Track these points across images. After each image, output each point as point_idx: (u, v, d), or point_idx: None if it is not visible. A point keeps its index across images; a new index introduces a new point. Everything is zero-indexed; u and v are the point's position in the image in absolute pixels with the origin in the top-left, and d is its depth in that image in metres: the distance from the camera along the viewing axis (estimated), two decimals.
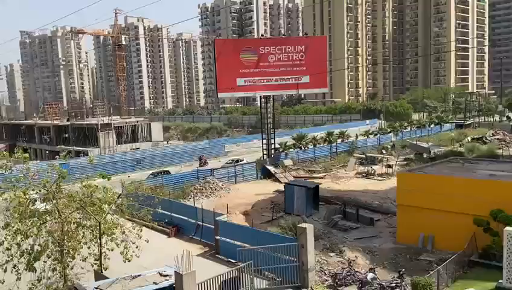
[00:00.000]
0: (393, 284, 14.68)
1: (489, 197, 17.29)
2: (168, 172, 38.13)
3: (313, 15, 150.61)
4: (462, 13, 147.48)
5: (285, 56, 39.38)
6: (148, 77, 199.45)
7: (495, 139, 55.59)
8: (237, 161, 41.92)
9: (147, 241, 14.41)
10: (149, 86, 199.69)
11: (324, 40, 47.29)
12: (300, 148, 46.85)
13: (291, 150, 45.25)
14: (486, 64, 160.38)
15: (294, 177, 36.54)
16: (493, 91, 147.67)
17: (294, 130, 73.25)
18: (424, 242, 19.20)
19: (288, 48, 39.54)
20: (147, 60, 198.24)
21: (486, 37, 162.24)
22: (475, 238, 17.09)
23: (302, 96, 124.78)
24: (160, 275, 13.71)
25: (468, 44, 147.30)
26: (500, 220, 16.16)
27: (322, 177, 36.68)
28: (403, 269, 15.41)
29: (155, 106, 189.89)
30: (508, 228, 14.23)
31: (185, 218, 22.44)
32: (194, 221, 21.84)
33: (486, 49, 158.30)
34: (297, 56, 39.64)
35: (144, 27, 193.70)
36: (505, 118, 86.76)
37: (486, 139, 55.47)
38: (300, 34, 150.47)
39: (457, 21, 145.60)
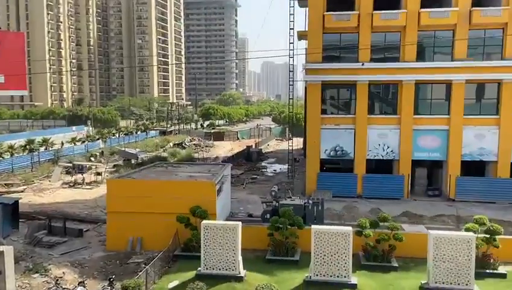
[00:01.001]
0: None
1: (189, 195, 19.67)
2: None
3: (6, 7, 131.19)
4: (162, 30, 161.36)
5: None
6: None
7: (192, 145, 63.50)
8: None
9: None
10: None
11: (22, 37, 41.75)
12: None
13: None
14: (183, 78, 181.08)
15: None
16: (189, 102, 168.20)
17: None
18: (133, 245, 19.93)
19: None
20: None
21: (183, 55, 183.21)
22: (178, 234, 19.08)
23: None
24: None
25: (168, 58, 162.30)
26: (198, 215, 18.66)
27: (22, 191, 32.48)
28: (113, 276, 15.56)
29: None
30: (204, 222, 16.60)
31: None
32: None
33: (183, 64, 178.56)
34: None
35: None
36: (199, 126, 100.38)
37: (185, 144, 62.70)
38: None
39: (158, 36, 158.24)
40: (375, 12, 28.71)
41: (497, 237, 16.77)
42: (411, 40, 28.65)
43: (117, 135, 68.35)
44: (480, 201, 27.68)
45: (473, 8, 28.01)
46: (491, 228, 16.79)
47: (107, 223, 21.07)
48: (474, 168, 29.75)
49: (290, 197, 23.98)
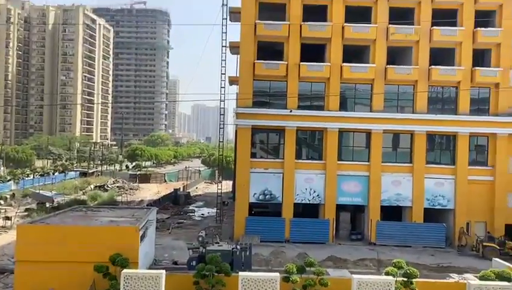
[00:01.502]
0: None
1: (110, 242, 18.36)
2: None
3: None
4: (89, 67, 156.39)
5: None
6: None
7: (115, 187, 60.51)
8: None
9: None
10: None
11: None
12: None
13: None
14: (109, 117, 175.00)
15: None
16: (115, 142, 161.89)
17: None
18: None
19: None
20: None
21: (110, 93, 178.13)
22: (95, 285, 17.57)
23: None
24: None
25: (93, 96, 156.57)
26: (118, 264, 17.42)
27: None
28: None
29: None
30: (124, 271, 15.51)
31: None
32: None
33: (110, 103, 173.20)
34: None
35: None
36: (124, 167, 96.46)
37: (108, 186, 59.59)
38: None
39: (84, 74, 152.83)
40: (302, 63, 30.42)
41: (413, 280, 17.56)
42: (334, 90, 30.57)
43: (31, 176, 63.28)
44: (398, 245, 29.16)
45: (388, 66, 30.77)
46: (408, 271, 17.57)
47: (15, 274, 18.93)
48: (392, 213, 31.54)
49: (218, 243, 23.40)
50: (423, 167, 30.88)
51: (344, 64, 30.59)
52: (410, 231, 30.04)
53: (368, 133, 31.13)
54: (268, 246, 27.38)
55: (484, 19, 31.24)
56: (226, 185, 45.07)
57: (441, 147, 32.42)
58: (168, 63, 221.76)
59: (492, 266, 19.53)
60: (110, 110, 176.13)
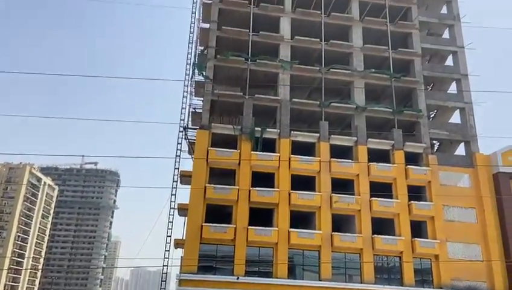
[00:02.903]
0: None
1: None
2: None
3: None
4: (25, 227, 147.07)
5: None
6: None
7: None
8: None
9: None
10: None
11: None
12: None
13: None
14: (37, 281, 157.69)
15: None
16: None
17: None
18: None
19: None
20: None
21: (43, 255, 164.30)
22: None
23: None
24: None
25: (24, 258, 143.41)
26: None
27: None
28: None
29: None
30: None
31: None
32: None
33: (40, 266, 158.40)
34: None
35: None
36: None
37: None
38: None
39: (18, 234, 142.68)
40: (250, 227, 30.38)
41: None
42: (282, 256, 30.03)
43: None
44: None
45: (333, 233, 31.37)
46: None
47: None
48: None
49: None
50: None
51: (291, 229, 30.86)
52: None
53: None
54: None
55: (418, 193, 33.96)
56: None
57: None
58: (111, 223, 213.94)
59: None
60: (39, 273, 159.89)
